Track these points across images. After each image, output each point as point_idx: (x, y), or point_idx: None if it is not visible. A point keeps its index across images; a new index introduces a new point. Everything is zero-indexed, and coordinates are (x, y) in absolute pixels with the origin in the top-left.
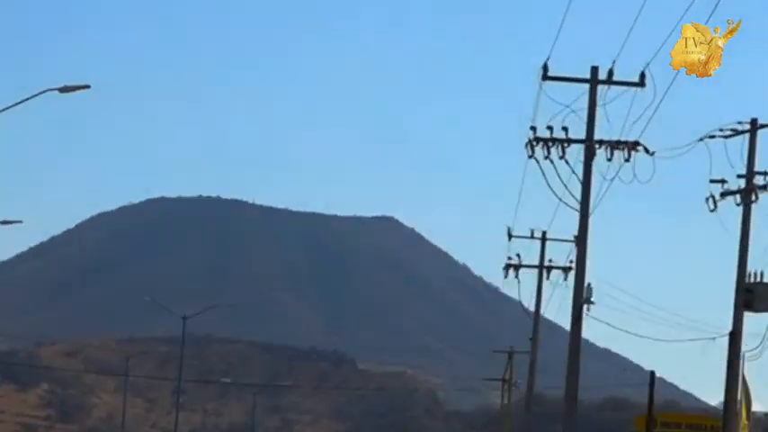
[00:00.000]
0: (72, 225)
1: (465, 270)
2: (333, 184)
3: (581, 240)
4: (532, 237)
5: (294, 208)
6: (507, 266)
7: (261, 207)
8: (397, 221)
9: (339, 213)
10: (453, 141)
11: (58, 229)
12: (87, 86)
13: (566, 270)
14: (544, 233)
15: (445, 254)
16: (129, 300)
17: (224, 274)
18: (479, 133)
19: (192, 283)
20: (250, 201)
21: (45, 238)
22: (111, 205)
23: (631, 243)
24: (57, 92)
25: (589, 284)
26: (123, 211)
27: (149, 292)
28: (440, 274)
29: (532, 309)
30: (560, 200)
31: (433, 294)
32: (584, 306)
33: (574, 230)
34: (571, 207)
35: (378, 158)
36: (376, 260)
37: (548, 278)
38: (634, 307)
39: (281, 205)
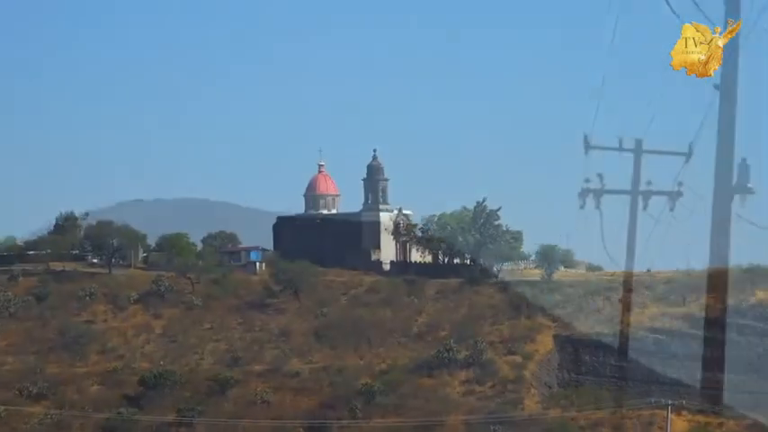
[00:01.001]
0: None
1: None
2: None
3: (728, 87)
4: (621, 149)
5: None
6: (585, 191)
7: (254, 210)
8: None
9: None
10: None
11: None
12: None
13: (673, 197)
14: (639, 142)
15: None
16: None
17: None
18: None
19: None
20: (243, 205)
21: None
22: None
23: None
24: None
25: (744, 160)
26: (93, 216)
27: None
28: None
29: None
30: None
31: None
32: (739, 199)
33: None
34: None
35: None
36: None
37: (644, 209)
38: None
39: (273, 209)
